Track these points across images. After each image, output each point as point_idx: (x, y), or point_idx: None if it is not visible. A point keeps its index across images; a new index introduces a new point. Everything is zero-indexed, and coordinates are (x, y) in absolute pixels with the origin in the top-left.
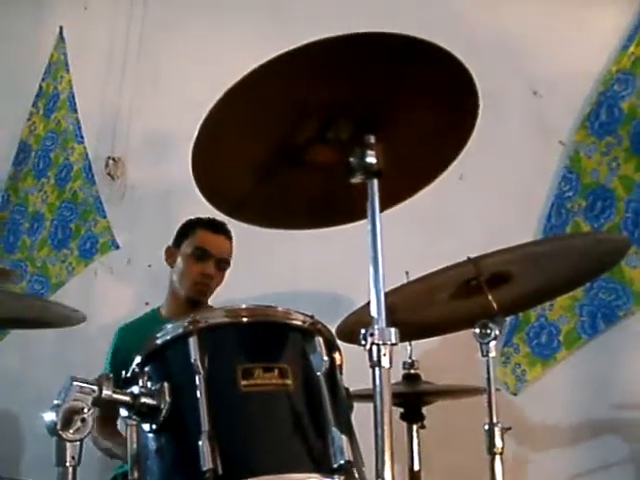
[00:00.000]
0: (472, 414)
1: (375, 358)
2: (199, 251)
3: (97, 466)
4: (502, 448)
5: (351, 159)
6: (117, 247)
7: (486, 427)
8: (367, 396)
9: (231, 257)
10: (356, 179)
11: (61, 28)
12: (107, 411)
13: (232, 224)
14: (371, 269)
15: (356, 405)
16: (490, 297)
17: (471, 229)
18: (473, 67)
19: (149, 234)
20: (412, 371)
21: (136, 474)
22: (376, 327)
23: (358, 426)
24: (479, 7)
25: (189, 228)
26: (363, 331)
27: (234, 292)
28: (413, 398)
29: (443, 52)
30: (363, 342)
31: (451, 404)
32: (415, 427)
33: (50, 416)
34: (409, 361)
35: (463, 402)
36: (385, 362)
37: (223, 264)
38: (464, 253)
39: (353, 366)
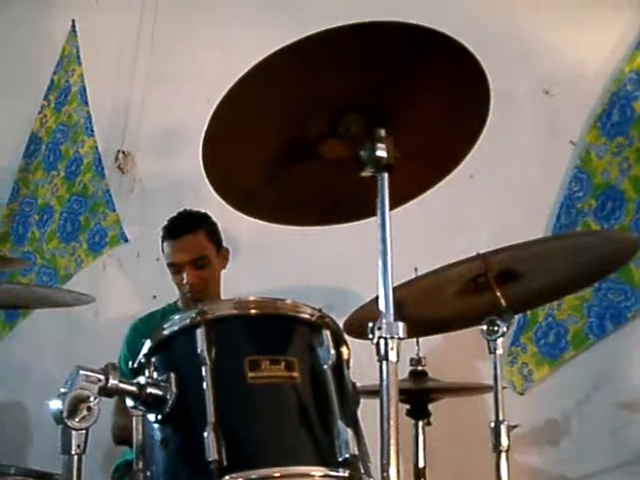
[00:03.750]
0: (478, 412)
1: (382, 352)
2: (171, 267)
3: (100, 456)
4: (508, 446)
5: (361, 152)
6: (126, 240)
7: (492, 425)
8: (374, 392)
9: (208, 246)
10: (366, 172)
11: (73, 21)
12: None
13: (241, 218)
14: (380, 263)
15: (363, 401)
16: (498, 293)
17: (481, 228)
18: (485, 66)
19: (158, 228)
20: (419, 368)
21: (141, 464)
22: (384, 321)
23: (364, 423)
24: (492, 5)
25: (161, 242)
26: (371, 325)
27: (244, 285)
28: (419, 395)
29: (455, 44)
30: (371, 336)
31: (457, 401)
32: (421, 424)
33: (56, 404)
34: (416, 358)
35: (469, 399)
36: (392, 356)
37: (199, 262)
38: (473, 251)
39: (361, 362)
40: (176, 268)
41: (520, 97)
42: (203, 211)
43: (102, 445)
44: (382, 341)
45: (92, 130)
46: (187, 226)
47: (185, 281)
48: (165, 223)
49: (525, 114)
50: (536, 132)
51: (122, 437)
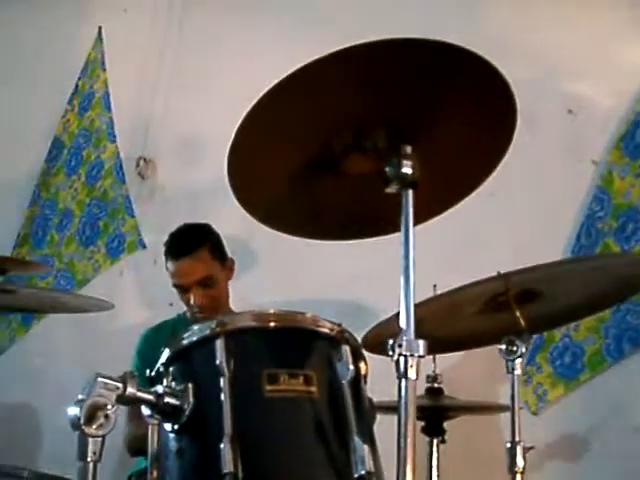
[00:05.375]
0: (491, 431)
1: (402, 369)
2: (177, 287)
3: (112, 464)
4: (524, 467)
5: (387, 168)
6: (144, 247)
7: (508, 445)
8: (389, 408)
9: (213, 264)
10: (391, 189)
11: (100, 28)
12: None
13: (260, 228)
14: (402, 280)
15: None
16: (518, 314)
17: (500, 246)
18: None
19: None
20: (435, 385)
21: (155, 473)
22: (404, 338)
23: (378, 438)
24: (515, 23)
25: (164, 259)
26: (391, 342)
27: (260, 297)
28: (435, 412)
29: (484, 63)
30: (391, 353)
31: (471, 420)
32: (435, 441)
33: (74, 410)
34: (432, 375)
35: (483, 418)
36: (412, 374)
37: (205, 282)
38: (492, 269)
39: (375, 377)
40: (182, 289)
41: (543, 116)
42: (204, 223)
43: (115, 453)
44: (402, 358)
45: (114, 136)
46: (189, 246)
47: (192, 302)
48: (166, 238)
49: (548, 133)
50: (558, 151)
51: (136, 448)
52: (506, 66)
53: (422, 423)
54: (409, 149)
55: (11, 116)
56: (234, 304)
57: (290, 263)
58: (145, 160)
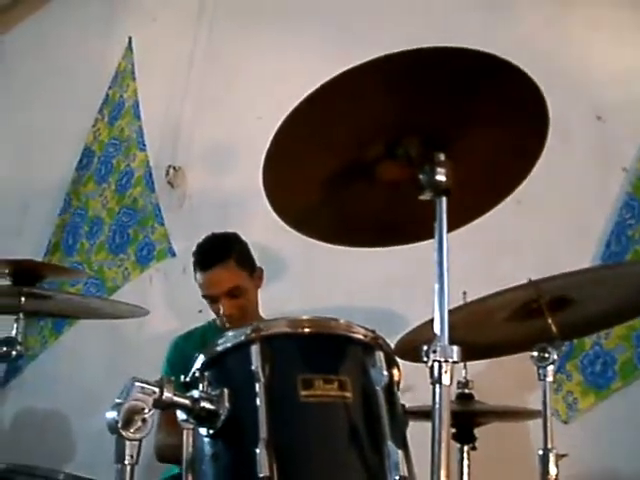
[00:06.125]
0: (521, 438)
1: (436, 375)
2: (206, 298)
3: (143, 469)
4: (556, 475)
5: (420, 176)
6: (173, 255)
7: (540, 452)
8: (421, 414)
9: (240, 274)
10: (425, 196)
11: (130, 38)
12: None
13: (290, 235)
14: (436, 287)
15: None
16: (550, 320)
17: (528, 253)
18: None
19: None
20: (466, 391)
21: (190, 478)
22: (439, 344)
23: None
24: (543, 30)
25: (193, 268)
26: (425, 348)
27: (291, 305)
28: (466, 418)
29: (517, 71)
30: (425, 359)
31: (501, 427)
32: (466, 448)
33: (111, 414)
34: (463, 381)
35: (512, 426)
36: (446, 380)
37: (234, 292)
38: (520, 277)
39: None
40: (211, 299)
41: (572, 123)
42: (231, 233)
43: (145, 457)
44: (436, 364)
45: (144, 144)
46: (217, 256)
47: (222, 312)
48: (194, 248)
49: (576, 140)
50: (587, 158)
51: (165, 456)
52: (535, 72)
53: (453, 430)
54: (442, 156)
55: (42, 126)
56: (265, 312)
57: (321, 270)
58: (174, 168)
